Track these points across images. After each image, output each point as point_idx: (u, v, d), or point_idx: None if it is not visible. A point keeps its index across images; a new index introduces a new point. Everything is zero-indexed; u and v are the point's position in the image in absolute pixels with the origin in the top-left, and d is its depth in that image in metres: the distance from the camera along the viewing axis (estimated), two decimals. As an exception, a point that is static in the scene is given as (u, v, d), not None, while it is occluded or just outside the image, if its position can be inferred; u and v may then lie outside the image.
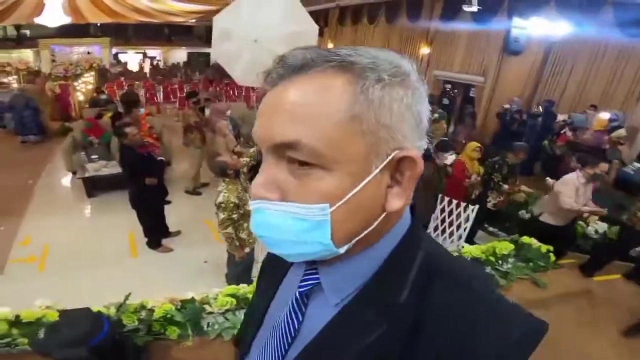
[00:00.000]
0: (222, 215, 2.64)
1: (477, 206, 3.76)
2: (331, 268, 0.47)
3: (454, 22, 8.41)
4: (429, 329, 0.40)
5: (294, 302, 0.51)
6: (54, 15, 6.49)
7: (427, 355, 0.39)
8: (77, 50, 13.60)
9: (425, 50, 9.68)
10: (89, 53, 11.76)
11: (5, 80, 9.32)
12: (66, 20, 6.75)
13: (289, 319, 0.51)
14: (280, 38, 3.42)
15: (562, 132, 6.15)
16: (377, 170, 0.39)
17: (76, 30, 12.31)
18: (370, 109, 0.37)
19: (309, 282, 0.50)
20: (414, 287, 0.42)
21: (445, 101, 9.51)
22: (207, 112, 7.39)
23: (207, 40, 23.56)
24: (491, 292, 0.45)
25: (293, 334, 0.50)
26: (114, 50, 16.57)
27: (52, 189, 5.61)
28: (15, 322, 1.96)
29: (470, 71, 8.51)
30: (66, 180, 5.82)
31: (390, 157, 0.39)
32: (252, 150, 3.21)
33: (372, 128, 0.37)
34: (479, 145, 4.28)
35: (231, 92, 11.42)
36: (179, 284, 2.82)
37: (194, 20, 16.27)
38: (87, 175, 4.93)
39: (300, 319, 0.50)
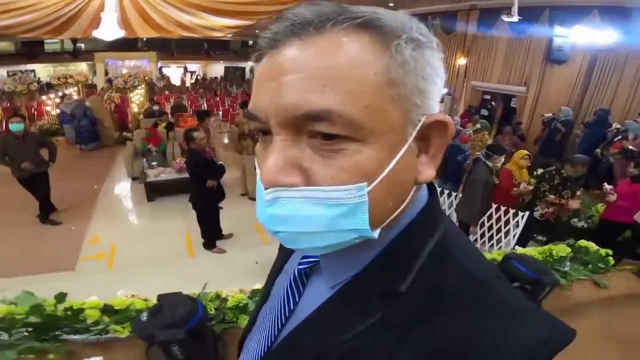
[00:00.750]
0: None
1: (527, 213, 3.74)
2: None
3: (491, 32, 8.39)
4: (430, 325, 0.35)
5: (292, 279, 0.49)
6: (110, 29, 6.74)
7: (422, 351, 0.34)
8: (127, 64, 14.55)
9: (461, 61, 9.67)
10: (138, 66, 12.56)
11: (67, 92, 10.08)
12: (121, 34, 7.19)
13: (286, 296, 0.49)
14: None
15: (615, 139, 5.98)
16: (411, 139, 0.35)
17: (125, 45, 13.17)
18: (407, 71, 0.33)
19: (309, 260, 0.47)
20: (419, 277, 0.37)
21: (484, 112, 9.43)
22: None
23: (242, 54, 24.56)
24: (512, 292, 0.40)
25: (288, 313, 0.48)
26: (159, 64, 17.63)
27: (115, 194, 6.05)
28: (105, 310, 2.18)
29: (510, 81, 8.41)
30: (127, 185, 6.26)
31: (421, 124, 0.35)
32: None
33: (409, 93, 0.34)
34: (528, 153, 4.27)
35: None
36: (233, 282, 2.99)
37: (230, 35, 17.07)
38: (148, 180, 5.32)
39: (297, 298, 0.48)
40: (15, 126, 4.10)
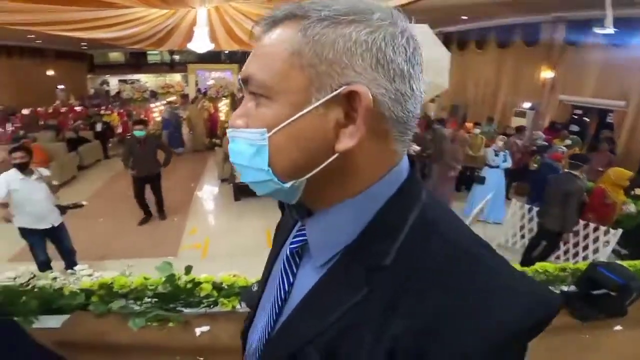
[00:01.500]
0: None
1: (619, 230, 3.53)
2: (314, 221, 0.46)
3: (584, 43, 7.73)
4: (416, 295, 0.37)
5: (285, 261, 0.51)
6: (201, 42, 7.22)
7: (409, 323, 0.36)
8: (214, 75, 15.87)
9: (548, 74, 9.01)
10: (223, 78, 13.44)
11: (168, 100, 11.16)
12: (210, 46, 7.71)
13: (280, 279, 0.51)
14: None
15: None
16: (317, 103, 0.39)
17: (211, 57, 14.18)
18: (310, 44, 0.39)
19: (299, 239, 0.49)
20: (403, 249, 0.40)
21: (575, 127, 8.63)
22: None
23: None
24: (497, 260, 0.40)
25: (283, 296, 0.50)
26: (239, 76, 18.96)
27: (207, 193, 6.82)
28: (214, 286, 2.47)
29: (607, 95, 7.61)
30: (217, 186, 7.00)
31: (335, 92, 0.39)
32: None
33: (312, 62, 0.39)
34: (632, 174, 3.91)
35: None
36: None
37: None
38: (235, 182, 5.91)
39: (292, 280, 0.50)
40: (139, 132, 4.82)
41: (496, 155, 5.32)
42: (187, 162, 8.52)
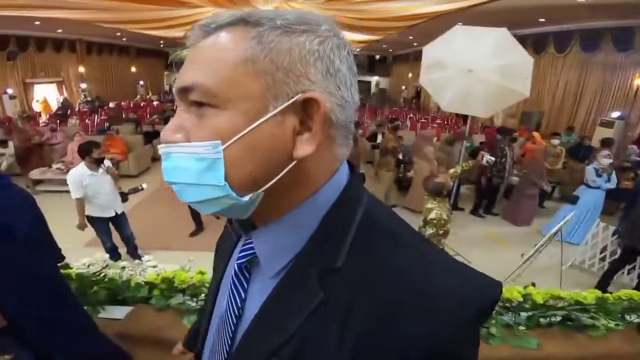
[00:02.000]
0: (430, 231, 2.87)
1: None
2: (262, 232, 0.45)
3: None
4: (371, 292, 0.37)
5: (234, 277, 0.49)
6: None
7: (368, 320, 0.36)
8: None
9: (641, 81, 7.90)
10: None
11: None
12: None
13: (231, 298, 0.49)
14: (495, 69, 3.42)
15: None
16: (276, 110, 0.38)
17: None
18: (265, 51, 0.38)
19: (246, 253, 0.48)
20: (352, 250, 0.40)
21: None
22: (379, 138, 7.99)
23: (368, 69, 24.85)
24: (439, 253, 0.43)
25: (237, 313, 0.48)
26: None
27: None
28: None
29: None
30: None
31: (292, 100, 0.38)
32: (451, 171, 3.35)
33: (268, 69, 0.38)
34: None
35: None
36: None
37: (358, 50, 17.69)
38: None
39: (243, 296, 0.48)
40: None
41: (598, 175, 4.67)
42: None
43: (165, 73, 21.18)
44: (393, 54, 21.95)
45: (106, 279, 2.19)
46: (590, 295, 2.04)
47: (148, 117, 10.49)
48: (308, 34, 0.39)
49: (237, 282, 0.49)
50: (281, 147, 0.39)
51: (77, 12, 6.26)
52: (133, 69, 18.00)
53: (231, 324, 0.49)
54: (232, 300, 0.49)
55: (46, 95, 13.29)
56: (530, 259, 3.12)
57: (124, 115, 10.68)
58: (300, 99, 0.38)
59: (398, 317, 0.36)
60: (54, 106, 12.90)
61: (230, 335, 0.49)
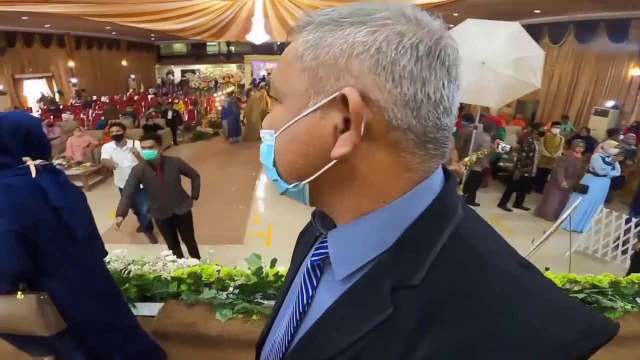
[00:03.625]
0: None
1: None
2: (336, 233, 0.44)
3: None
4: (447, 318, 0.33)
5: (305, 274, 0.49)
6: (259, 34, 7.49)
7: (439, 347, 0.33)
8: (266, 66, 16.10)
9: (636, 71, 8.07)
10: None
11: (228, 90, 11.80)
12: (267, 38, 7.77)
13: (300, 293, 0.49)
14: (508, 62, 3.48)
15: None
16: (314, 107, 0.38)
17: (264, 49, 14.62)
18: (310, 48, 0.39)
19: (322, 252, 0.46)
20: (434, 269, 0.36)
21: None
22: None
23: None
24: (541, 282, 0.37)
25: (302, 310, 0.48)
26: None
27: (267, 181, 6.83)
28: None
29: None
30: (277, 174, 7.19)
31: (331, 97, 0.37)
32: (466, 159, 3.42)
33: (310, 66, 0.39)
34: None
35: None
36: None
37: None
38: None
39: (310, 294, 0.48)
40: (149, 154, 2.98)
41: (607, 164, 4.73)
42: (246, 150, 8.74)
43: (157, 66, 20.83)
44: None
45: (135, 275, 2.19)
46: (604, 279, 2.13)
47: (144, 110, 10.33)
48: (356, 26, 0.36)
49: (307, 280, 0.48)
50: (319, 143, 0.39)
51: (67, 5, 6.08)
52: (124, 63, 17.66)
53: (294, 321, 0.48)
54: (300, 297, 0.48)
55: (39, 90, 12.99)
56: (540, 245, 3.19)
57: (119, 110, 10.50)
58: (339, 96, 0.36)
59: (474, 350, 0.31)
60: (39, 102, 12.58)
61: (292, 332, 0.48)
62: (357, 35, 0.36)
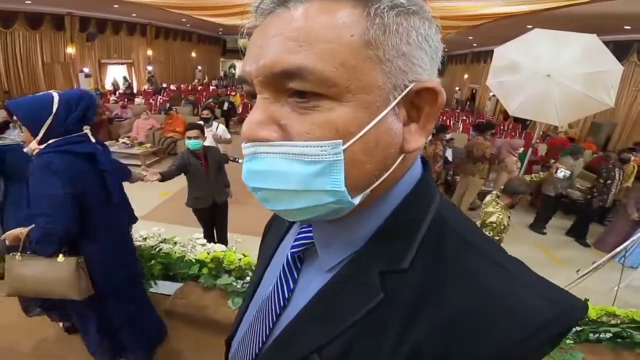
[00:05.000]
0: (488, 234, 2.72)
1: None
2: (327, 223, 0.40)
3: None
4: (438, 299, 0.34)
5: (285, 265, 0.46)
6: None
7: (432, 329, 0.33)
8: None
9: None
10: None
11: None
12: None
13: (279, 285, 0.46)
14: (577, 76, 3.12)
15: None
16: (395, 102, 0.34)
17: None
18: (387, 34, 0.33)
19: (302, 242, 0.44)
20: (421, 251, 0.36)
21: None
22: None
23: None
24: (517, 263, 0.37)
25: (282, 303, 0.45)
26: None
27: None
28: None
29: None
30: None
31: (408, 89, 0.34)
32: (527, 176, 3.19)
33: (390, 55, 0.33)
34: None
35: (447, 122, 11.31)
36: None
37: None
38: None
39: (292, 286, 0.45)
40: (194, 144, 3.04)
41: None
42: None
43: (221, 59, 22.02)
44: (448, 54, 21.12)
45: (162, 253, 2.31)
46: (646, 313, 1.96)
47: (204, 100, 10.97)
48: (419, 16, 0.35)
49: (287, 271, 0.46)
50: (396, 141, 0.36)
51: None
52: (193, 54, 18.89)
53: (274, 313, 0.46)
54: (279, 289, 0.46)
55: (116, 75, 14.40)
56: (585, 276, 2.86)
57: (183, 98, 11.28)
58: (415, 88, 0.35)
59: (466, 329, 0.32)
60: (122, 86, 13.94)
61: (270, 325, 0.46)
62: (424, 26, 0.35)
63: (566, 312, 0.33)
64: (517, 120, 10.16)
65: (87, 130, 1.48)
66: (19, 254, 1.38)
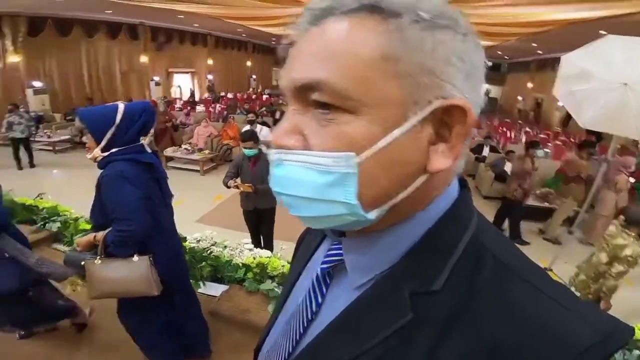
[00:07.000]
0: (620, 268, 2.65)
1: None
2: (356, 242, 0.41)
3: None
4: (470, 323, 0.32)
5: (315, 281, 0.46)
6: None
7: (462, 352, 0.31)
8: None
9: None
10: None
11: None
12: None
13: (308, 300, 0.46)
14: (661, 85, 2.77)
15: None
16: (416, 119, 0.33)
17: None
18: (408, 49, 0.32)
19: (332, 259, 0.45)
20: (454, 274, 0.35)
21: None
22: (485, 151, 7.27)
23: (492, 78, 23.20)
24: (557, 287, 0.35)
25: (310, 317, 0.45)
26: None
27: None
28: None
29: None
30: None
31: (433, 107, 0.33)
32: None
33: (411, 70, 0.32)
34: None
35: (507, 133, 10.63)
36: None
37: None
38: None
39: (320, 301, 0.45)
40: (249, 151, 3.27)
41: None
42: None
43: (274, 69, 22.87)
44: (509, 61, 19.88)
45: (212, 256, 2.45)
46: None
47: (258, 109, 11.47)
48: (451, 30, 0.34)
49: (316, 287, 0.46)
50: (416, 159, 0.35)
51: (207, 6, 7.05)
52: (248, 64, 19.86)
53: (300, 328, 0.46)
54: (308, 302, 0.46)
55: (180, 83, 15.59)
56: None
57: (239, 106, 11.87)
58: (443, 105, 0.34)
59: (502, 353, 0.31)
60: (186, 94, 15.05)
61: (297, 337, 0.46)
62: (455, 41, 0.34)
63: (608, 336, 0.31)
64: (589, 132, 9.27)
65: (144, 140, 1.61)
66: (98, 258, 1.50)
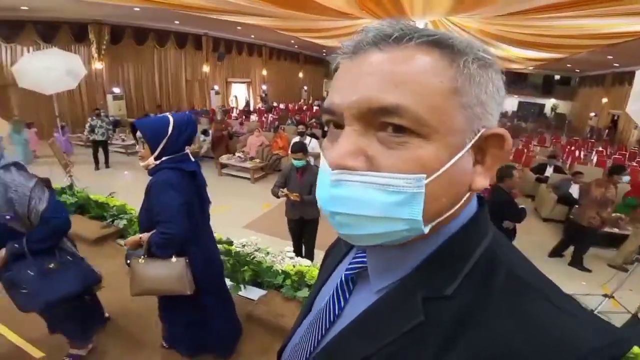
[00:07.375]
0: None
1: None
2: (379, 251, 0.44)
3: None
4: (480, 328, 0.34)
5: (339, 285, 0.50)
6: None
7: (472, 352, 0.33)
8: None
9: None
10: None
11: None
12: None
13: (331, 303, 0.50)
14: None
15: None
16: (470, 145, 0.38)
17: None
18: (472, 84, 0.36)
19: (356, 266, 0.49)
20: (465, 283, 0.38)
21: None
22: (549, 171, 6.69)
23: (543, 90, 21.48)
24: (564, 298, 0.37)
25: (333, 318, 0.48)
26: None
27: None
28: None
29: None
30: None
31: (480, 134, 0.38)
32: None
33: (471, 103, 0.37)
34: None
35: (576, 152, 9.74)
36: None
37: (531, 68, 15.24)
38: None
39: (342, 304, 0.49)
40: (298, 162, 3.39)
41: None
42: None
43: (324, 81, 23.25)
44: (580, 75, 18.27)
45: (255, 261, 2.56)
46: None
47: (308, 120, 11.73)
48: (493, 68, 0.39)
49: (340, 291, 0.50)
50: (466, 180, 0.39)
51: (261, 18, 7.36)
52: (300, 75, 20.42)
53: (324, 326, 0.49)
54: (331, 305, 0.50)
55: (237, 93, 16.47)
56: None
57: (289, 117, 12.21)
58: (487, 134, 0.38)
59: (507, 355, 0.32)
60: (242, 104, 15.82)
61: (319, 336, 0.49)
62: (497, 77, 0.39)
63: (611, 344, 0.33)
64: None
65: (188, 150, 1.74)
66: (142, 257, 1.66)
